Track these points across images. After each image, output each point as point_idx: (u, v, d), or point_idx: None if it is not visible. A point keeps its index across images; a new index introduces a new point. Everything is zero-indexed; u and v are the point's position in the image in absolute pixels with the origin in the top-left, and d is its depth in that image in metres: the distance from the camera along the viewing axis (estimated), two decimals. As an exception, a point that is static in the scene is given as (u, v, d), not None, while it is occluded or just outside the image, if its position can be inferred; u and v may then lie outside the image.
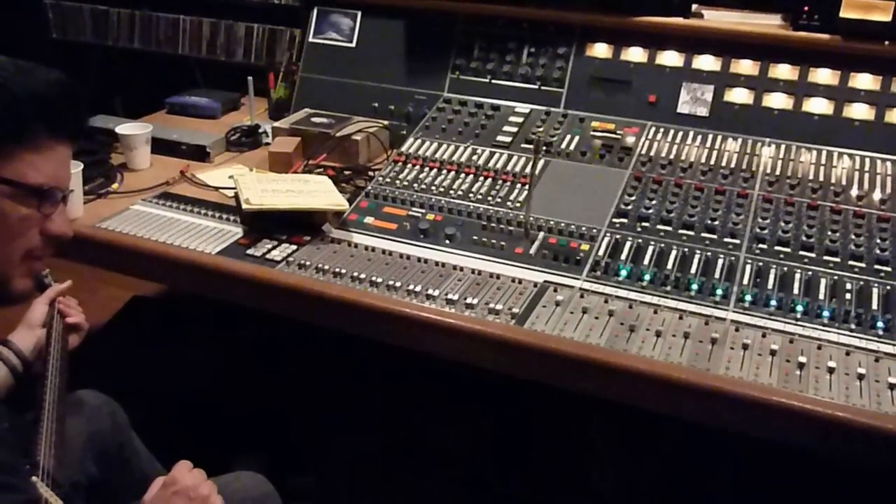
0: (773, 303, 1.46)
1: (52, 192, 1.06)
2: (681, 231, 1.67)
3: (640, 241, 1.65)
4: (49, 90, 1.03)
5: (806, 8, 1.90)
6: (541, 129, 2.02)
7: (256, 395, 2.38)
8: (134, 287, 2.83)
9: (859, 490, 1.85)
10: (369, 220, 1.76)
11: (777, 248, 1.60)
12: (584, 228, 1.69)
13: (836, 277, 1.53)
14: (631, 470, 2.16)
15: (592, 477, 2.15)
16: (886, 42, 1.86)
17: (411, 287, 1.52)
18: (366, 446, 2.26)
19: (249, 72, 2.35)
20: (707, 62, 2.01)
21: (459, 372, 1.54)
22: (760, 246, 1.61)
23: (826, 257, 1.57)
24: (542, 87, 2.13)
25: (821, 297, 1.48)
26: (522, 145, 1.98)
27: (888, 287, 1.49)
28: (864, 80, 1.89)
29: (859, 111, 1.88)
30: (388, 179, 1.89)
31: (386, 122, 2.18)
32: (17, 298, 1.09)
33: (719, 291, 1.50)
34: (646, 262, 1.59)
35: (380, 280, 1.54)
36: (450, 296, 1.49)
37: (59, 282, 1.50)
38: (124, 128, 2.06)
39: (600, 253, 1.62)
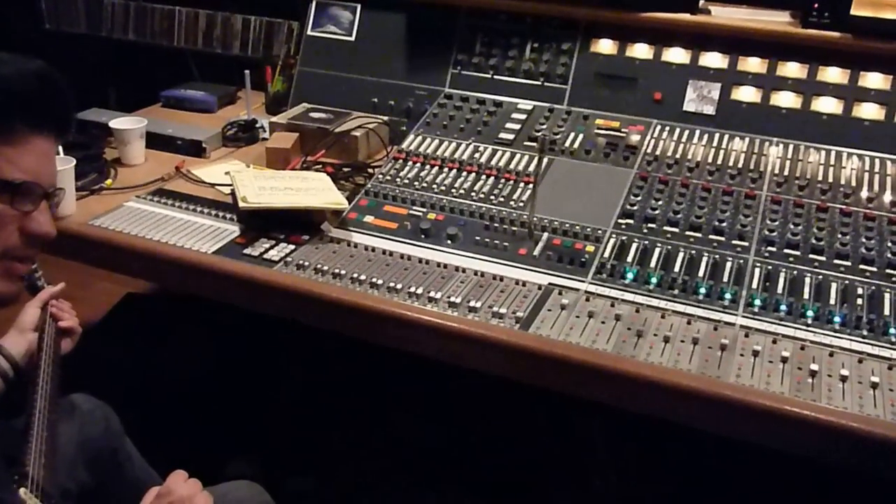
0: (783, 308, 1.43)
1: (28, 187, 1.01)
2: (688, 232, 1.63)
3: (646, 242, 1.61)
4: (24, 81, 0.98)
5: (816, 5, 1.86)
6: (544, 127, 1.98)
7: (251, 395, 2.35)
8: (128, 283, 2.79)
9: (869, 501, 1.83)
10: (369, 218, 1.72)
11: (786, 250, 1.57)
12: (588, 229, 1.65)
13: (846, 282, 1.49)
14: (632, 473, 2.13)
15: (593, 479, 2.12)
16: (898, 41, 1.82)
17: (413, 289, 1.48)
18: (364, 446, 2.23)
19: (246, 65, 2.31)
20: (714, 59, 1.98)
21: (460, 372, 1.50)
22: (769, 249, 1.58)
23: (836, 261, 1.54)
24: (546, 84, 2.09)
25: (831, 301, 1.45)
26: (525, 143, 1.94)
27: (900, 292, 1.46)
28: (875, 80, 1.86)
29: (869, 111, 1.85)
30: (388, 177, 1.85)
31: (386, 118, 2.14)
32: None
33: (728, 295, 1.46)
34: (652, 264, 1.55)
35: (380, 281, 1.50)
36: (452, 298, 1.45)
37: (52, 283, 1.45)
38: (118, 122, 2.02)
39: (606, 254, 1.58)
